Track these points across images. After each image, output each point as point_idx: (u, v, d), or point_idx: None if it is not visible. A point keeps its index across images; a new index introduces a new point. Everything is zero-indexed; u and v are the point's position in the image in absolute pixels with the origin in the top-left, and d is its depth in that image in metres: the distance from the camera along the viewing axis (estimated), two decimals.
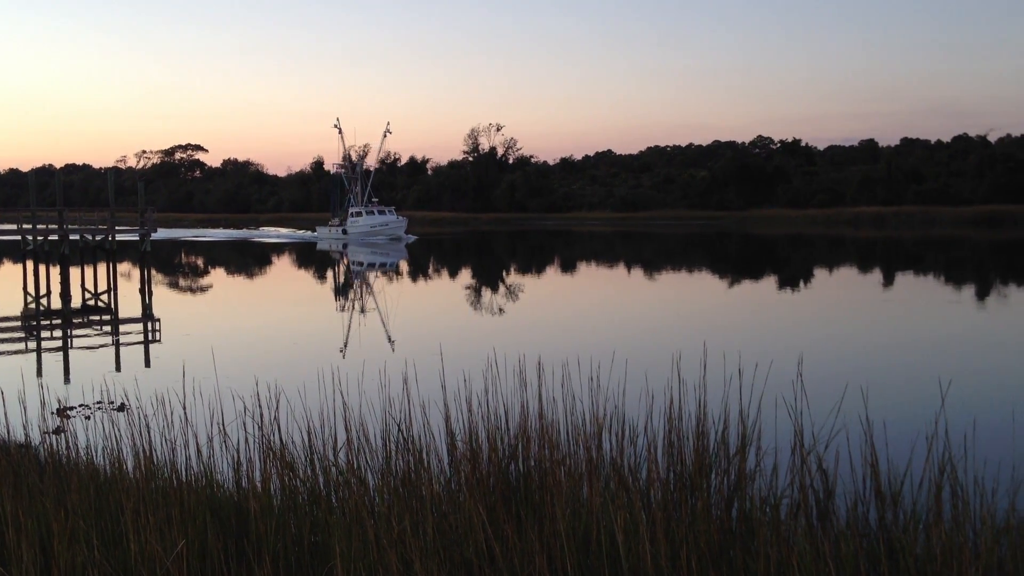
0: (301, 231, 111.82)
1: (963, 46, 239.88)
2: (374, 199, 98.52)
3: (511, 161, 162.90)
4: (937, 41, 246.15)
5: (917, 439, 6.08)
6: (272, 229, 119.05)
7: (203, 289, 42.30)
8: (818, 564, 5.09)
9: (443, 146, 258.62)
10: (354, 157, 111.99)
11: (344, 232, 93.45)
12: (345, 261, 63.21)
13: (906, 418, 11.71)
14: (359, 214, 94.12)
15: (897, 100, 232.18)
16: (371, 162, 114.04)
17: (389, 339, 23.19)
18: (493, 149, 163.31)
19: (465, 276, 48.91)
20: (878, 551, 5.46)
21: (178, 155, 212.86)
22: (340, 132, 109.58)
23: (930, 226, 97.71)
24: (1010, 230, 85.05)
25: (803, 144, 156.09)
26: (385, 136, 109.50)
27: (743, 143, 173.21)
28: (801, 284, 38.49)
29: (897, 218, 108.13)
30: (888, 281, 39.81)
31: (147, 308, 31.30)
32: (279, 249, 77.90)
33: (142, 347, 22.55)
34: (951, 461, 5.79)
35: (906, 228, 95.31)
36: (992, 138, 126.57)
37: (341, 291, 40.46)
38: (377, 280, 46.58)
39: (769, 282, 40.66)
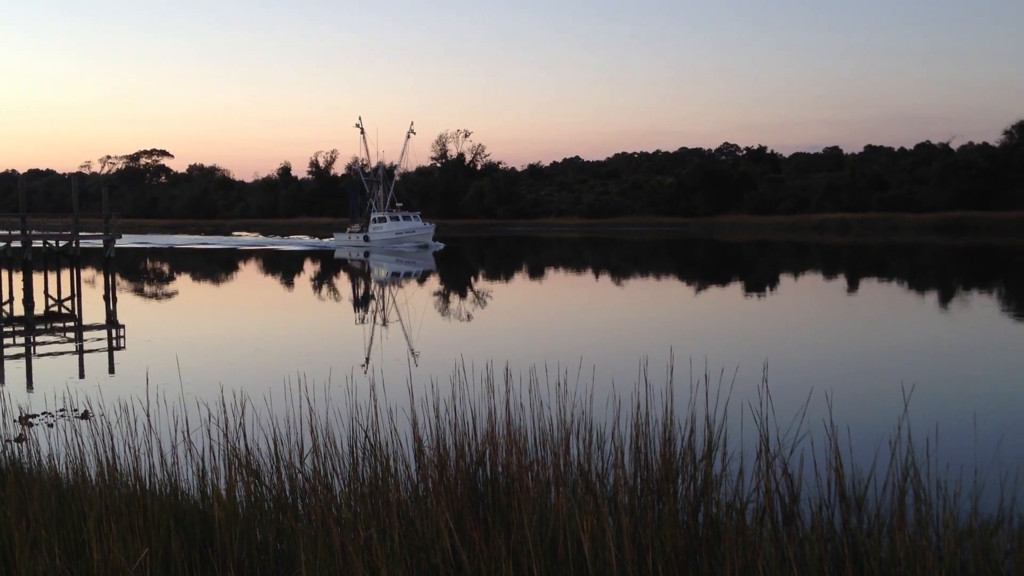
0: (316, 238, 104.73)
1: (926, 55, 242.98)
2: (398, 204, 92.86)
3: (479, 167, 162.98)
4: (901, 50, 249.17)
5: (881, 444, 6.14)
6: (296, 237, 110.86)
7: (169, 296, 41.93)
8: (783, 568, 5.12)
9: (411, 152, 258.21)
10: (373, 160, 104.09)
11: (366, 239, 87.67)
12: (353, 268, 62.71)
13: (870, 423, 11.82)
14: (382, 220, 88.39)
15: (861, 108, 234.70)
16: (388, 163, 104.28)
17: (355, 346, 23.09)
18: (461, 155, 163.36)
19: (432, 282, 48.82)
20: (843, 555, 5.50)
21: (143, 160, 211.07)
22: (362, 132, 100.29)
23: (894, 232, 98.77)
24: (972, 236, 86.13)
25: (769, 151, 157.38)
26: (409, 137, 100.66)
27: (710, 150, 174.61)
28: (767, 290, 38.77)
29: (861, 224, 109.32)
30: (852, 287, 40.18)
31: (111, 315, 30.96)
32: (292, 258, 72.37)
33: (106, 354, 22.30)
34: (914, 465, 5.85)
35: (870, 234, 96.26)
36: (954, 145, 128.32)
37: (326, 298, 40.25)
38: (344, 287, 46.41)
39: (735, 288, 40.91)
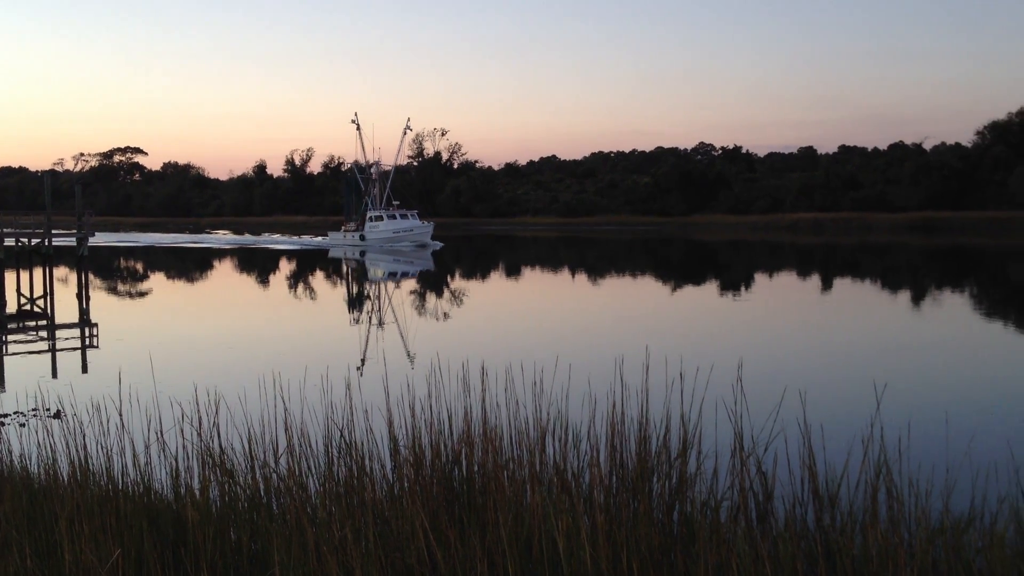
0: (308, 237, 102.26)
1: (900, 56, 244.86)
2: (395, 202, 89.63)
3: (456, 166, 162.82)
4: (874, 51, 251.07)
5: (853, 442, 6.18)
6: (275, 236, 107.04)
7: (144, 294, 41.63)
8: (757, 566, 5.14)
9: (387, 151, 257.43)
10: (369, 157, 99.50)
11: (362, 238, 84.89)
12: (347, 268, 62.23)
13: (843, 422, 11.90)
14: (379, 218, 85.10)
15: (835, 108, 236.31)
16: (388, 161, 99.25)
17: (331, 345, 23.03)
18: (438, 154, 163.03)
19: (409, 281, 48.74)
20: (816, 552, 5.53)
21: (117, 158, 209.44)
22: (358, 128, 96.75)
23: (867, 232, 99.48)
24: (944, 236, 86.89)
25: (744, 151, 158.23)
26: (405, 133, 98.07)
27: (685, 149, 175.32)
28: (741, 290, 38.95)
29: (835, 224, 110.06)
30: (825, 287, 40.44)
31: (84, 313, 30.71)
32: (283, 256, 70.76)
33: (79, 353, 22.13)
34: (886, 463, 5.89)
35: (843, 234, 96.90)
36: (927, 146, 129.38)
37: (302, 297, 40.07)
38: (325, 286, 46.25)
39: (710, 287, 41.08)
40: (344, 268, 60.57)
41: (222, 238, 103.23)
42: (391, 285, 46.22)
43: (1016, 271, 49.00)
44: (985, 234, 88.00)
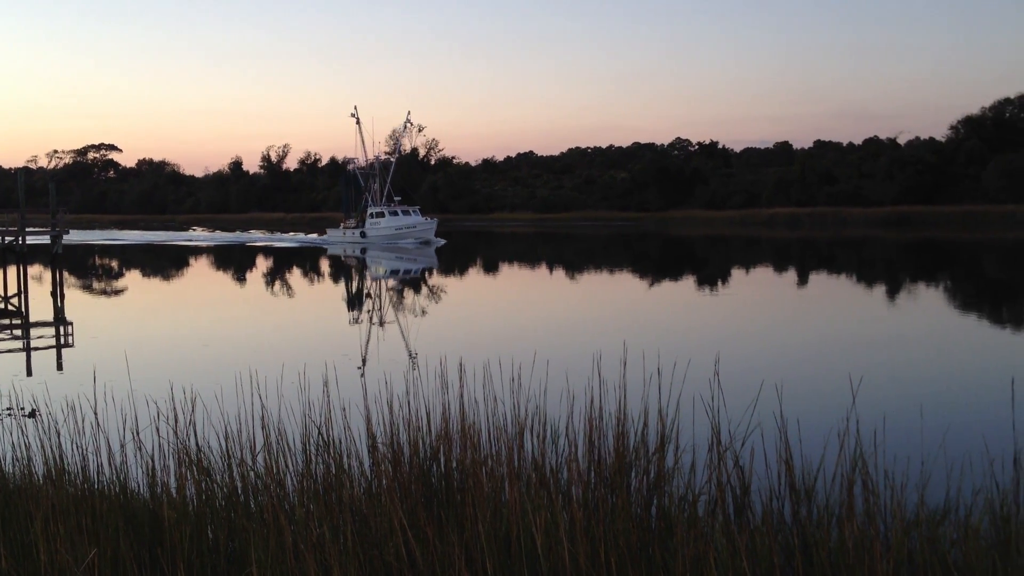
0: (304, 235, 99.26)
1: (874, 50, 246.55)
2: (396, 198, 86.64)
3: (433, 162, 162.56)
4: (849, 45, 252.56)
5: (830, 435, 6.22)
6: (254, 233, 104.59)
7: (119, 292, 41.34)
8: (734, 560, 5.17)
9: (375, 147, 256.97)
10: (369, 152, 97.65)
11: (363, 235, 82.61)
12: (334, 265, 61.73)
13: (819, 415, 11.98)
14: (380, 215, 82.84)
15: (811, 103, 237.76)
16: (377, 153, 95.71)
17: (307, 342, 22.94)
18: (415, 150, 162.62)
19: (377, 277, 48.65)
20: (792, 545, 5.57)
21: (91, 155, 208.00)
22: (358, 122, 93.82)
23: (842, 226, 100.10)
24: (918, 230, 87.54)
25: (720, 146, 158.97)
26: (406, 127, 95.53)
27: (662, 145, 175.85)
28: (718, 284, 39.11)
29: (811, 219, 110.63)
30: (802, 281, 40.67)
31: (59, 312, 30.46)
32: (279, 255, 69.24)
33: (53, 352, 21.95)
34: (862, 456, 5.93)
35: (819, 228, 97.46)
36: (901, 140, 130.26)
37: (279, 294, 39.88)
38: (296, 282, 46.07)
39: (687, 282, 41.22)
40: (337, 266, 59.46)
41: (217, 236, 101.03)
42: (376, 283, 46.13)
43: (990, 265, 49.45)
44: (959, 228, 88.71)
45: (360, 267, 57.74)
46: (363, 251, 72.37)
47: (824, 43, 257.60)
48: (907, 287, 36.44)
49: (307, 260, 62.84)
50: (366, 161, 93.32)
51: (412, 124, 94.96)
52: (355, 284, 44.90)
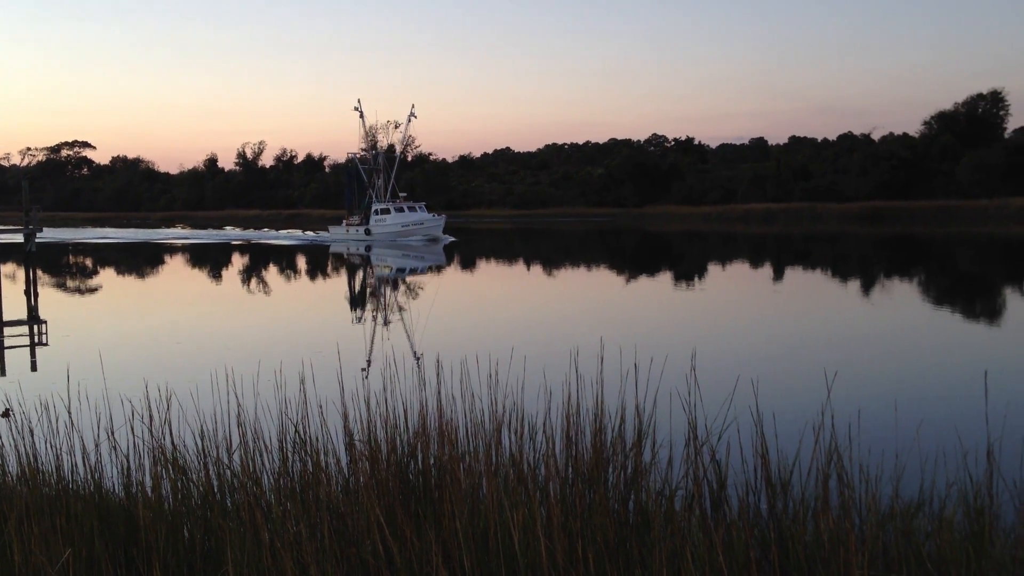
0: (302, 232, 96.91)
1: (848, 47, 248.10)
2: (401, 194, 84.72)
3: (410, 159, 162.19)
4: (823, 43, 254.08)
5: (805, 429, 6.26)
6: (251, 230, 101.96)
7: (94, 291, 41.01)
8: (711, 554, 5.19)
9: (341, 144, 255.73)
10: (368, 145, 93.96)
11: (367, 232, 79.82)
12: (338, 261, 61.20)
13: (794, 409, 12.04)
14: (385, 211, 79.98)
15: (786, 100, 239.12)
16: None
17: (283, 339, 22.85)
18: (391, 147, 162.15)
19: (351, 274, 48.51)
20: (769, 539, 5.60)
21: (64, 152, 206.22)
22: (361, 116, 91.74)
23: (817, 222, 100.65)
24: (892, 225, 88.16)
25: (696, 142, 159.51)
26: (409, 121, 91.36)
27: (639, 141, 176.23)
28: (695, 280, 39.25)
29: (786, 214, 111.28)
30: (778, 276, 40.87)
31: (33, 310, 30.18)
32: (280, 252, 67.18)
33: (27, 351, 21.74)
34: (837, 450, 5.97)
35: (794, 224, 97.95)
36: (876, 136, 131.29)
37: (256, 292, 39.67)
38: (287, 280, 45.85)
39: (664, 278, 41.34)
40: (336, 264, 58.02)
41: (216, 234, 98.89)
42: (342, 279, 45.98)
43: (962, 259, 49.86)
44: (932, 223, 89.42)
45: (360, 265, 56.40)
46: (368, 248, 70.56)
47: (799, 40, 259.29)
48: (881, 282, 36.70)
49: (306, 258, 61.28)
50: (371, 154, 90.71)
51: (416, 117, 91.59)
52: (347, 282, 44.74)
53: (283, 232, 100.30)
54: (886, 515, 5.68)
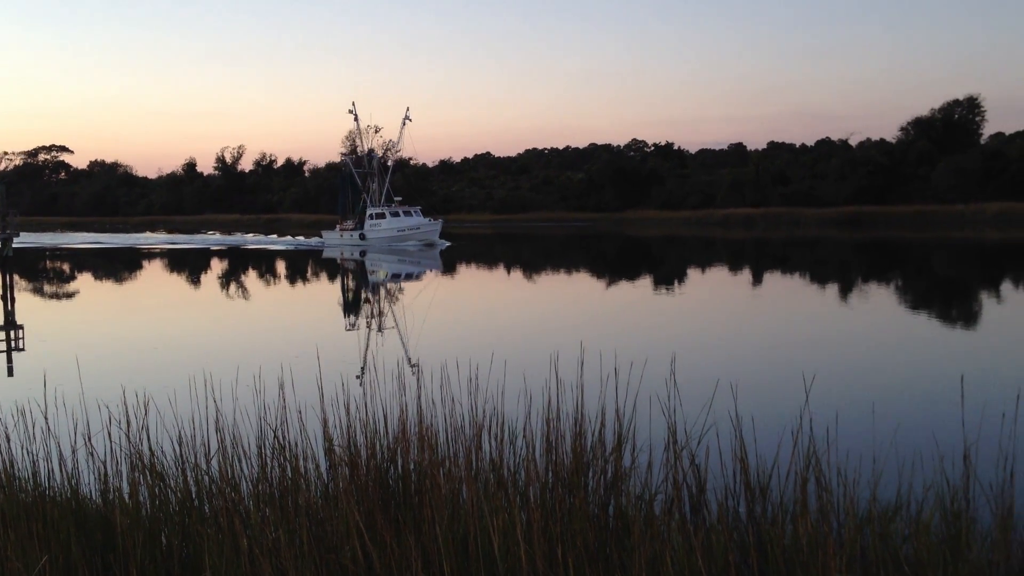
0: (292, 236, 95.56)
1: (826, 53, 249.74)
2: (396, 198, 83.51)
3: (390, 163, 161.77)
4: (802, 48, 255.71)
5: (784, 433, 6.28)
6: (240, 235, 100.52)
7: (71, 296, 40.71)
8: (690, 558, 5.20)
9: (321, 148, 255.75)
10: (362, 149, 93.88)
11: (362, 237, 79.10)
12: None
13: (773, 414, 12.06)
14: (380, 216, 79.36)
15: (765, 105, 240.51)
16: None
17: (265, 345, 22.76)
18: (371, 151, 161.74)
19: (338, 279, 48.36)
20: (748, 543, 5.61)
21: (42, 156, 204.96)
22: (356, 119, 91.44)
23: (796, 226, 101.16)
24: (869, 230, 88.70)
25: (676, 147, 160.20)
26: (404, 124, 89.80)
27: (618, 146, 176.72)
28: (675, 284, 39.36)
29: (765, 219, 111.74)
30: (757, 280, 41.05)
31: (9, 315, 29.94)
32: (272, 258, 65.67)
33: (3, 356, 21.56)
34: (815, 454, 5.99)
35: (773, 229, 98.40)
36: (853, 142, 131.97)
37: (235, 296, 39.46)
38: (260, 285, 45.66)
39: (644, 283, 41.43)
40: (327, 269, 56.94)
41: (205, 238, 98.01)
42: (323, 283, 45.83)
43: (939, 264, 50.23)
44: (909, 227, 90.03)
45: (351, 271, 55.58)
46: (363, 254, 69.56)
47: (777, 46, 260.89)
48: (859, 286, 36.91)
49: (297, 264, 60.24)
50: (366, 158, 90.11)
51: (410, 120, 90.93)
52: (334, 288, 44.58)
53: (272, 236, 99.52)
54: (864, 519, 5.71)
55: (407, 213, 79.38)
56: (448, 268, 53.18)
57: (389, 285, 42.62)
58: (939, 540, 5.63)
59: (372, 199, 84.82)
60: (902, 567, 5.32)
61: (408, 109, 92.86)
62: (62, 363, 17.70)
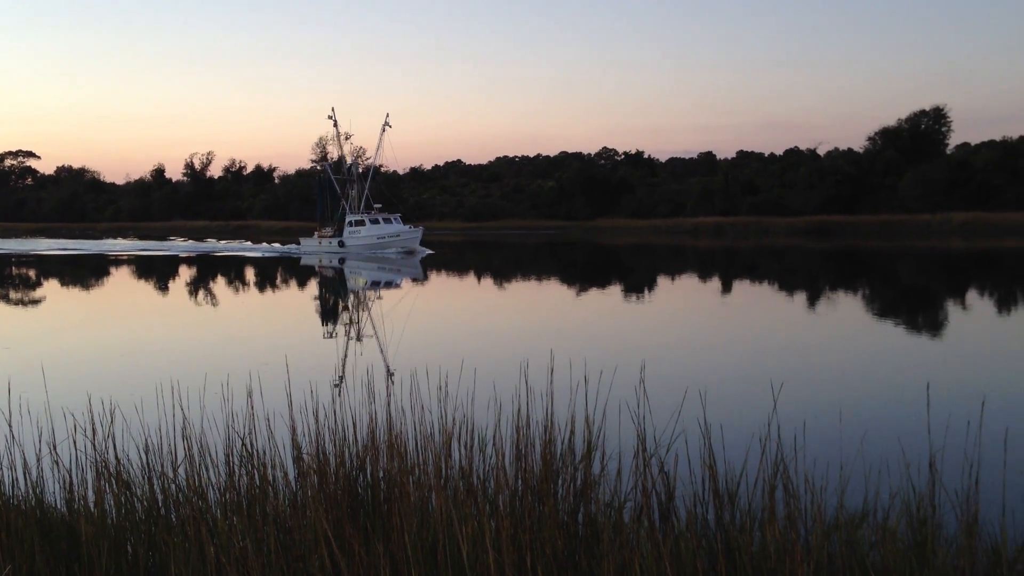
0: (268, 244, 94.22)
1: (794, 64, 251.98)
2: (376, 205, 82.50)
3: (360, 170, 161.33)
4: (771, 59, 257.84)
5: (752, 441, 6.31)
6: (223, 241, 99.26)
7: (37, 303, 40.25)
8: (659, 565, 5.21)
9: (290, 155, 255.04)
10: (348, 156, 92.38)
11: (340, 245, 77.92)
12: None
13: (742, 421, 12.15)
14: (360, 223, 78.32)
15: (734, 115, 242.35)
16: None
17: (234, 352, 22.60)
18: (342, 158, 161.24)
19: (312, 286, 48.14)
20: (716, 550, 5.64)
21: (8, 162, 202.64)
22: (335, 125, 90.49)
23: (764, 235, 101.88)
24: (837, 239, 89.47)
25: (646, 156, 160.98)
26: (384, 130, 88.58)
27: (589, 154, 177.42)
28: (644, 292, 39.50)
29: (734, 228, 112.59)
30: (726, 289, 41.27)
31: None
32: (247, 265, 64.80)
33: None
34: (783, 461, 6.03)
35: (742, 238, 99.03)
36: (821, 151, 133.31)
37: (203, 303, 39.16)
38: (232, 293, 45.34)
39: (614, 290, 41.54)
40: (302, 276, 55.67)
41: (181, 245, 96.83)
42: (292, 290, 45.60)
43: (905, 273, 50.73)
44: (877, 237, 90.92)
45: (326, 278, 54.56)
46: (341, 261, 68.74)
47: (746, 57, 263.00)
48: (827, 295, 37.19)
49: (273, 272, 59.18)
50: (347, 165, 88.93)
51: (390, 126, 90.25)
52: (307, 296, 44.33)
53: (247, 243, 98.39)
54: (831, 525, 5.75)
55: (387, 220, 78.37)
56: (423, 276, 53.05)
57: (366, 293, 42.46)
58: (905, 547, 5.68)
59: (351, 206, 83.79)
60: (869, 574, 5.36)
61: (388, 116, 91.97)
62: (27, 370, 17.50)
